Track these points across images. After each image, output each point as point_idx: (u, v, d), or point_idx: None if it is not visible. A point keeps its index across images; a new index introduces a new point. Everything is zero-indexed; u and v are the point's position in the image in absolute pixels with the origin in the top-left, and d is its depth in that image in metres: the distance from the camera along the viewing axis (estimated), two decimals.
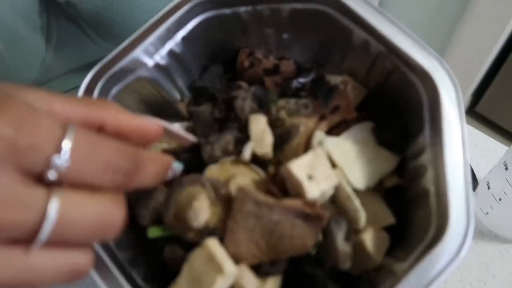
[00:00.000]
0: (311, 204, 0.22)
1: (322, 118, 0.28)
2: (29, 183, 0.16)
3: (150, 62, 0.28)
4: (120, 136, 0.20)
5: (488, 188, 0.54)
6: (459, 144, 0.22)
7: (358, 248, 0.24)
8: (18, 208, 0.16)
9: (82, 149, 0.17)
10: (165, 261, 0.26)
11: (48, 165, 0.16)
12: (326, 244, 0.23)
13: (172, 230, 0.25)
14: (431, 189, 0.23)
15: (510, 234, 0.55)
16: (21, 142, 0.15)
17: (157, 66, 0.29)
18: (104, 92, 0.27)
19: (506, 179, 0.50)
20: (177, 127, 0.24)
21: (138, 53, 0.27)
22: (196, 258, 0.22)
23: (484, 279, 0.51)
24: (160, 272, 0.26)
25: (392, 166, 0.27)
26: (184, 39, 0.29)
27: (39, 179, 0.16)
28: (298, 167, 0.23)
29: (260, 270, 0.23)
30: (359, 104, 0.29)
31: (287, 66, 0.30)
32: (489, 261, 0.53)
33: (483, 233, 0.55)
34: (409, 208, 0.26)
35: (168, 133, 0.23)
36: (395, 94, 0.28)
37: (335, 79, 0.29)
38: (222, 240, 0.23)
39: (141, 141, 0.21)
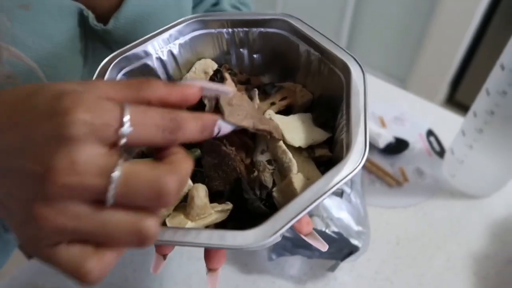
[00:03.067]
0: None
1: (272, 104, 0.39)
2: (104, 153, 0.21)
3: (154, 55, 0.39)
4: (166, 105, 0.25)
5: (452, 153, 0.64)
6: (362, 111, 0.32)
7: (287, 187, 0.33)
8: (96, 174, 0.20)
9: (137, 118, 0.22)
10: None
11: (117, 134, 0.21)
12: (255, 177, 0.33)
13: None
14: (343, 136, 0.32)
15: (474, 191, 0.64)
16: (96, 123, 0.20)
17: (159, 58, 0.39)
18: (116, 69, 0.36)
19: (465, 144, 0.60)
20: (213, 84, 0.30)
21: (147, 47, 0.38)
22: None
23: (456, 230, 0.61)
24: None
25: (323, 138, 0.37)
26: (181, 45, 0.40)
27: (113, 147, 0.22)
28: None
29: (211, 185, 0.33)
30: (305, 104, 0.40)
31: (255, 80, 0.43)
32: (459, 216, 0.63)
33: (452, 193, 0.65)
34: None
35: (206, 91, 0.29)
36: (326, 88, 0.38)
37: (286, 84, 0.41)
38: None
39: (185, 104, 0.26)
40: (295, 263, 0.57)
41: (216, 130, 0.28)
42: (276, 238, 0.26)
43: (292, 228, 0.29)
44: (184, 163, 0.23)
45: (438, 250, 0.59)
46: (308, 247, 0.53)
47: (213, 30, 0.40)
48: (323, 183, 0.28)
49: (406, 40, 1.93)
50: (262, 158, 0.35)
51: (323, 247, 0.33)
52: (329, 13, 2.07)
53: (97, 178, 0.20)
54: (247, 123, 0.32)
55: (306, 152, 0.36)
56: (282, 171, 0.35)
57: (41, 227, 0.20)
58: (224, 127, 0.29)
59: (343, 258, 0.52)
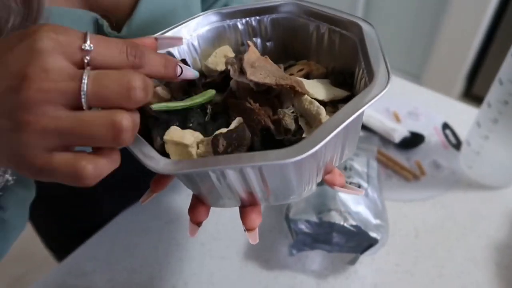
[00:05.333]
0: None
1: (291, 74, 0.40)
2: (74, 66, 0.24)
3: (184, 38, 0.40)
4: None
5: (469, 145, 0.64)
6: (379, 49, 0.33)
7: (314, 116, 0.34)
8: (68, 78, 0.23)
9: (100, 40, 0.25)
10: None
11: (81, 50, 0.24)
12: (278, 122, 0.34)
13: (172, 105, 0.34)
14: (365, 76, 0.33)
15: (492, 182, 0.64)
16: (61, 39, 0.23)
17: (187, 43, 0.41)
18: None
19: (480, 135, 0.61)
20: (165, 35, 0.34)
21: (177, 31, 0.39)
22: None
23: (475, 221, 0.61)
24: None
25: (342, 95, 0.38)
26: (199, 36, 0.42)
27: (80, 66, 0.25)
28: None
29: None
30: (320, 76, 0.41)
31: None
32: (478, 207, 0.63)
33: (470, 185, 0.65)
34: None
35: (161, 42, 0.32)
36: (340, 56, 0.39)
37: (300, 62, 0.42)
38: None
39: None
40: (315, 258, 0.58)
41: (178, 70, 0.30)
42: (321, 149, 0.25)
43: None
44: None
45: (457, 241, 0.59)
46: (328, 241, 0.54)
47: (228, 22, 0.41)
48: (352, 105, 0.28)
49: (418, 36, 1.92)
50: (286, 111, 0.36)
51: (360, 192, 0.34)
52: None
53: (69, 81, 0.23)
54: (270, 80, 0.33)
55: (330, 107, 0.37)
56: (312, 121, 0.35)
57: (28, 132, 0.23)
58: (188, 71, 0.31)
59: (363, 251, 0.53)
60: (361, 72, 0.35)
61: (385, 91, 0.28)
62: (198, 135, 0.33)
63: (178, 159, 0.32)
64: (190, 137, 0.32)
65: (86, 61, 0.24)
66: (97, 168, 0.24)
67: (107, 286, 0.57)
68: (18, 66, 0.23)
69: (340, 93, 0.37)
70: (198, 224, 0.34)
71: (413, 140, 0.72)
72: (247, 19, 0.41)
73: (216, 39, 0.42)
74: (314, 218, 0.53)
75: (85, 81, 0.23)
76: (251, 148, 0.32)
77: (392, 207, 0.63)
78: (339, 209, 0.53)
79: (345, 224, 0.51)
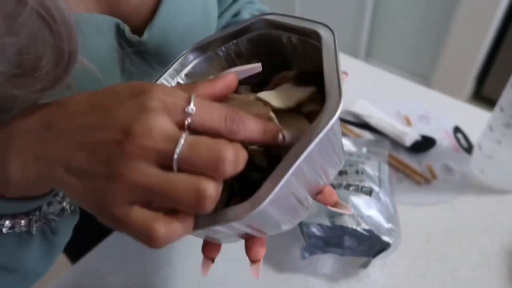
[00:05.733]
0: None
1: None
2: (174, 127, 0.25)
3: (173, 82, 0.41)
4: (215, 96, 0.30)
5: (480, 149, 0.64)
6: (334, 63, 0.33)
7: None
8: (166, 140, 0.24)
9: (202, 103, 0.26)
10: None
11: (183, 112, 0.25)
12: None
13: None
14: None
15: (504, 186, 0.64)
16: (168, 100, 0.25)
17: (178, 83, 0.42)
18: None
19: (493, 139, 0.61)
20: (241, 66, 0.34)
21: (166, 77, 0.40)
22: None
23: (487, 225, 0.61)
24: None
25: (306, 94, 0.38)
26: (186, 75, 0.42)
27: (181, 127, 0.26)
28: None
29: None
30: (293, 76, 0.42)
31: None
32: (490, 211, 0.63)
33: (482, 189, 0.65)
34: None
35: (240, 74, 0.33)
36: (316, 62, 0.39)
37: (282, 74, 0.43)
38: None
39: (230, 90, 0.31)
40: (327, 261, 0.58)
41: (280, 137, 0.30)
42: (265, 205, 0.26)
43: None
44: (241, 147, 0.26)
45: (470, 245, 0.59)
46: (340, 245, 0.54)
47: (210, 53, 0.42)
48: (302, 143, 0.27)
49: (427, 37, 1.91)
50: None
51: (348, 210, 0.35)
52: (349, 13, 2.07)
53: (166, 143, 0.24)
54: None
55: (298, 112, 0.38)
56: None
57: (119, 183, 0.24)
58: (288, 137, 0.31)
59: (375, 255, 0.53)
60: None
61: (333, 119, 0.28)
62: None
63: None
64: None
65: (186, 123, 0.25)
66: (169, 232, 0.24)
67: (122, 287, 0.58)
68: (126, 122, 0.24)
69: (303, 93, 0.38)
70: (212, 260, 0.36)
71: (424, 144, 0.72)
72: (225, 45, 0.42)
73: (202, 73, 0.43)
74: (326, 222, 0.53)
75: (180, 145, 0.24)
76: (232, 189, 0.34)
77: (403, 210, 0.63)
78: (351, 213, 0.53)
79: (358, 228, 0.52)
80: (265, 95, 0.37)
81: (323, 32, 0.36)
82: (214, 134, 0.26)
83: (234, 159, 0.24)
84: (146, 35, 0.43)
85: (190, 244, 0.62)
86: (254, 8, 0.63)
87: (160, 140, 0.24)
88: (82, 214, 0.70)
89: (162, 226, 0.24)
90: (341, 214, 0.53)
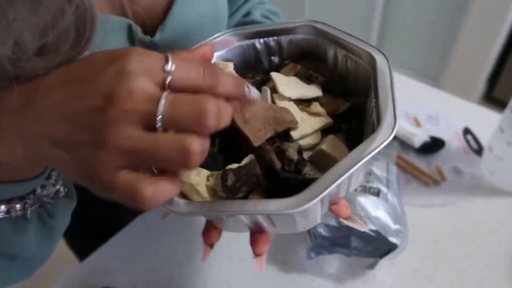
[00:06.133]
0: None
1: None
2: (155, 87, 0.25)
3: None
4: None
5: (491, 151, 0.64)
6: (389, 89, 0.34)
7: (322, 156, 0.35)
8: (148, 101, 0.24)
9: (180, 61, 0.26)
10: None
11: (163, 71, 0.25)
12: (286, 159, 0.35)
13: None
14: (374, 115, 0.34)
15: None
16: (146, 62, 0.25)
17: None
18: None
19: (504, 141, 0.60)
20: (219, 39, 0.35)
21: None
22: None
23: (496, 227, 0.60)
24: None
25: (313, 94, 0.39)
26: (217, 57, 0.43)
27: (162, 87, 0.26)
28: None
29: None
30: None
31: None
32: (499, 213, 0.62)
33: (492, 191, 0.64)
34: (364, 125, 0.37)
35: (216, 45, 0.34)
36: (353, 83, 0.40)
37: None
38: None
39: (206, 59, 0.31)
40: (333, 261, 0.58)
41: (246, 89, 0.31)
42: (316, 203, 0.27)
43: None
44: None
45: (478, 247, 0.58)
46: (347, 245, 0.54)
47: (246, 42, 0.43)
48: (357, 153, 0.29)
49: (438, 38, 1.90)
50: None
51: (364, 227, 0.35)
52: (358, 13, 2.06)
53: (149, 103, 0.24)
54: (270, 132, 0.35)
55: (302, 105, 0.39)
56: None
57: (106, 149, 0.24)
58: (253, 91, 0.32)
59: (382, 256, 0.53)
60: (371, 102, 0.35)
61: (388, 140, 0.29)
62: (205, 172, 0.35)
63: (189, 196, 0.34)
64: (196, 176, 0.34)
65: (167, 82, 0.25)
66: (155, 192, 0.25)
67: (128, 285, 0.58)
68: (106, 87, 0.24)
69: (311, 92, 0.39)
70: (211, 245, 0.36)
71: (433, 145, 0.71)
72: (265, 39, 0.43)
73: (235, 59, 0.43)
74: (333, 222, 0.53)
75: (162, 104, 0.24)
76: (255, 183, 0.35)
77: (411, 212, 0.62)
78: (359, 213, 0.53)
79: (365, 229, 0.51)
80: (279, 78, 0.38)
81: (377, 56, 0.36)
82: (194, 90, 0.26)
83: (216, 111, 0.25)
84: (158, 36, 0.43)
85: (197, 243, 0.62)
86: (265, 9, 0.63)
87: (142, 101, 0.24)
88: (92, 211, 0.71)
89: (147, 185, 0.24)
90: None
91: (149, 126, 0.24)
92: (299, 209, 0.27)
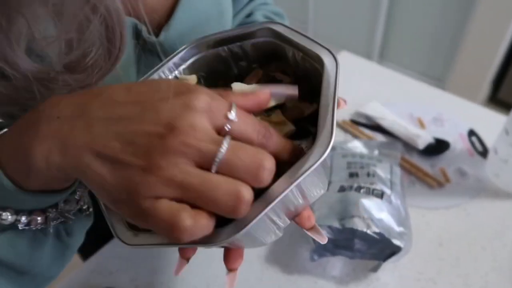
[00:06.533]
0: None
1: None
2: (215, 132, 0.25)
3: (170, 76, 0.42)
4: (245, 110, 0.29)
5: (496, 153, 0.63)
6: (331, 97, 0.32)
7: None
8: (209, 141, 0.24)
9: (242, 114, 0.27)
10: None
11: (225, 117, 0.26)
12: None
13: None
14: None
15: None
16: (213, 104, 0.25)
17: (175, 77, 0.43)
18: None
19: (509, 143, 0.59)
20: (279, 87, 0.34)
21: (155, 77, 0.41)
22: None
23: (501, 230, 0.60)
24: None
25: (279, 100, 0.37)
26: (184, 70, 0.43)
27: (219, 132, 0.27)
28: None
29: None
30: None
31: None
32: (504, 216, 0.61)
33: (496, 193, 0.64)
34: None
35: (274, 94, 0.33)
36: (308, 78, 0.40)
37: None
38: None
39: (260, 108, 0.31)
40: (336, 263, 0.58)
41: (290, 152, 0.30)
42: (244, 232, 0.26)
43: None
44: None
45: (483, 250, 0.58)
46: (350, 247, 0.54)
47: (211, 51, 0.43)
48: (289, 175, 0.28)
49: (443, 39, 1.89)
50: None
51: (323, 239, 0.34)
52: (363, 14, 2.05)
53: (210, 143, 0.24)
54: None
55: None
56: None
57: (156, 175, 0.23)
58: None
59: (385, 258, 0.53)
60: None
61: (319, 162, 0.28)
62: None
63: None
64: None
65: (227, 129, 0.26)
66: (195, 225, 0.24)
67: (131, 285, 0.58)
68: (170, 117, 0.24)
69: (286, 90, 0.38)
70: (187, 259, 0.35)
71: (438, 147, 0.71)
72: (229, 46, 0.42)
73: (203, 69, 0.43)
74: (336, 224, 0.53)
75: (224, 147, 0.24)
76: None
77: (415, 214, 0.62)
78: (362, 215, 0.53)
79: (368, 231, 0.51)
80: (237, 86, 0.37)
81: (327, 60, 0.35)
82: (245, 143, 0.26)
83: (272, 168, 0.25)
84: (163, 36, 0.43)
85: None
86: (268, 10, 0.62)
87: (204, 140, 0.24)
88: (96, 212, 0.71)
89: (188, 217, 0.24)
90: (351, 217, 0.53)
91: (204, 165, 0.24)
92: (225, 240, 0.26)
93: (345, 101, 0.40)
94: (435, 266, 0.57)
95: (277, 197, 0.27)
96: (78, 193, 0.35)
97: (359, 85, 0.86)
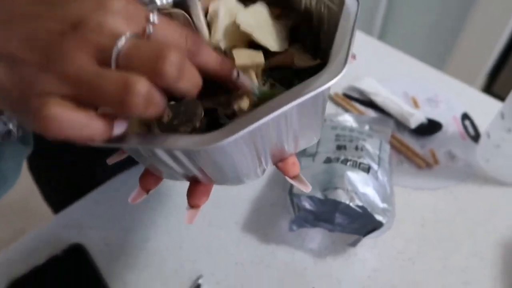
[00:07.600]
0: None
1: None
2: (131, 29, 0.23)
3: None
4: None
5: (488, 137, 0.61)
6: (349, 30, 0.30)
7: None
8: (111, 37, 0.22)
9: (165, 19, 0.24)
10: None
11: (146, 19, 0.24)
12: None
13: None
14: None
15: (508, 178, 0.62)
16: (130, 7, 0.23)
17: None
18: None
19: (503, 127, 0.58)
20: (246, 78, 0.31)
21: None
22: None
23: (486, 216, 0.59)
24: None
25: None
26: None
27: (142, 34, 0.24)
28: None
29: None
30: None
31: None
32: (491, 202, 0.60)
33: (485, 179, 0.63)
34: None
35: (242, 78, 0.30)
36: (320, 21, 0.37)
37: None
38: None
39: (220, 71, 0.28)
40: (316, 236, 0.56)
41: (234, 73, 0.28)
42: (233, 140, 0.23)
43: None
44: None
45: (465, 235, 0.57)
46: (331, 221, 0.52)
47: None
48: (298, 89, 0.25)
49: (442, 30, 1.86)
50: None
51: (307, 188, 0.32)
52: (363, 5, 2.01)
53: (109, 39, 0.22)
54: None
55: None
56: None
57: (48, 71, 0.21)
58: (245, 79, 0.29)
59: (366, 233, 0.51)
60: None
61: (334, 81, 0.25)
62: None
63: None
64: None
65: (148, 32, 0.24)
66: (62, 114, 0.21)
67: (101, 243, 0.56)
68: (78, 15, 0.22)
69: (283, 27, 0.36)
70: (147, 191, 0.33)
71: (430, 128, 0.69)
72: None
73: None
74: (319, 195, 0.51)
75: (122, 40, 0.22)
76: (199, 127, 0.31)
77: (401, 193, 0.60)
78: (346, 188, 0.51)
79: (351, 204, 0.49)
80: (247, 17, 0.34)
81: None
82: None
83: (178, 63, 0.22)
84: None
85: (173, 204, 0.60)
86: None
87: (106, 36, 0.22)
88: (69, 163, 0.68)
89: (57, 105, 0.21)
90: (335, 188, 0.51)
91: (105, 62, 0.22)
92: (210, 146, 0.23)
93: (354, 56, 0.38)
94: (416, 246, 0.55)
95: (276, 110, 0.24)
96: (6, 114, 0.33)
97: (357, 59, 0.83)
